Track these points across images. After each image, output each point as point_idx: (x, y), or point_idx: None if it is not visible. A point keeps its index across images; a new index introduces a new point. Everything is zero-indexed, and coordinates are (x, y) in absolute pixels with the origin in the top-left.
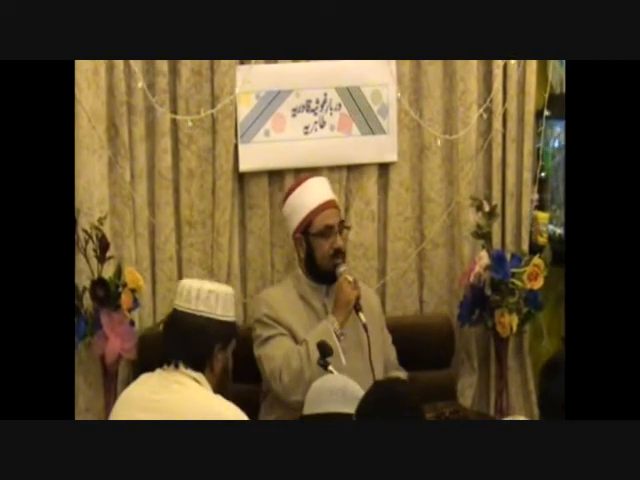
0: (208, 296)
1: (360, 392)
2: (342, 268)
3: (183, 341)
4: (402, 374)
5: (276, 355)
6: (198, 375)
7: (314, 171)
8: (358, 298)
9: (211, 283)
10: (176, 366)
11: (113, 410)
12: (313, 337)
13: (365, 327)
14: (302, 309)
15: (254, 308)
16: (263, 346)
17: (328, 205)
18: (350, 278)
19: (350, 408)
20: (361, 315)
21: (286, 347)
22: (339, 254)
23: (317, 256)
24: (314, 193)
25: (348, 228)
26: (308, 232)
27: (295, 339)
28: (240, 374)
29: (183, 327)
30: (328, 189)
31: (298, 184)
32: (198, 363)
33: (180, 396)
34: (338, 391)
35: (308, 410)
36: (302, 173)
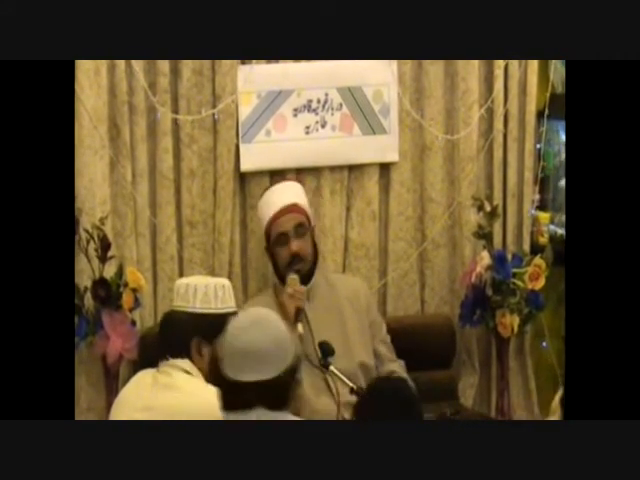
0: (206, 292)
1: (278, 351)
2: (290, 276)
3: (181, 340)
4: (397, 365)
5: None
6: (185, 362)
7: (315, 171)
8: (298, 310)
9: (199, 277)
10: (166, 359)
11: (111, 411)
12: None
13: (300, 338)
14: (282, 316)
15: None
16: None
17: (281, 213)
18: (289, 290)
19: (260, 374)
20: (299, 326)
21: None
22: (296, 259)
23: (278, 265)
24: (270, 203)
25: (310, 229)
26: (269, 244)
27: None
28: None
29: (180, 325)
30: (287, 194)
31: (261, 196)
32: (182, 356)
33: (174, 394)
34: (251, 356)
35: (223, 368)
36: (303, 173)
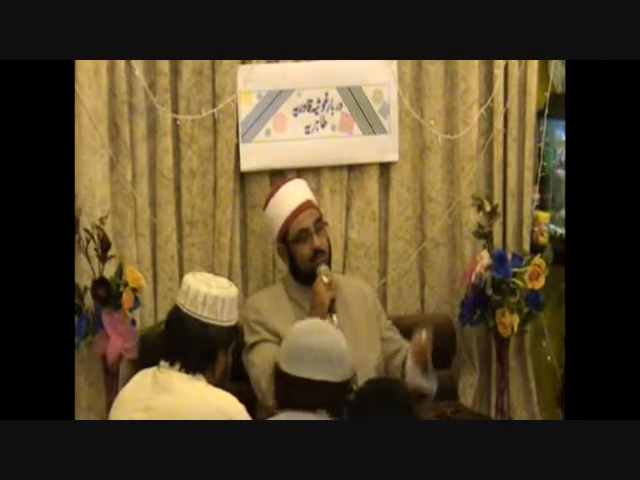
0: (214, 302)
1: (346, 357)
2: (321, 267)
3: (186, 345)
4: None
5: (257, 362)
6: (196, 377)
7: (315, 171)
8: (333, 300)
9: (217, 286)
10: (172, 365)
11: (111, 411)
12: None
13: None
14: (292, 312)
15: (243, 313)
16: (248, 353)
17: (301, 209)
18: (325, 279)
19: (331, 375)
20: (334, 317)
21: (267, 353)
22: (319, 254)
23: (298, 261)
24: (286, 201)
25: (326, 224)
26: (287, 240)
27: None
28: (239, 373)
29: (187, 331)
30: (300, 191)
31: (272, 195)
32: (200, 368)
33: (173, 395)
34: (323, 356)
35: (285, 366)
36: (303, 173)
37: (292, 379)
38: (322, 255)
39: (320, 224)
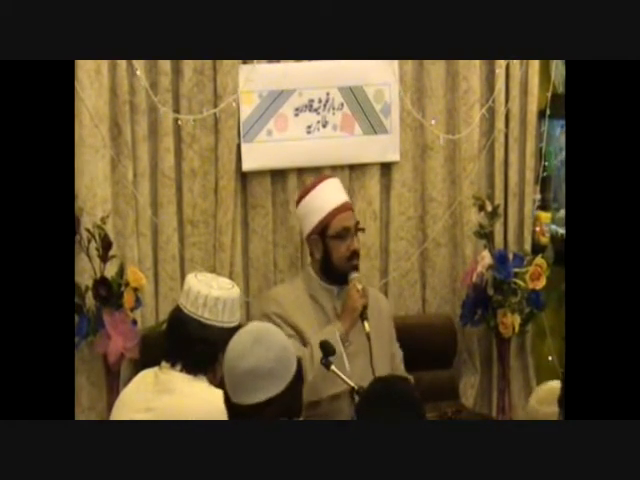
0: (215, 304)
1: (286, 353)
2: (354, 275)
3: (187, 345)
4: (407, 378)
5: None
6: (198, 378)
7: (316, 171)
8: (365, 307)
9: (219, 287)
10: (173, 366)
11: (112, 411)
12: (315, 345)
13: (368, 336)
14: (311, 309)
15: (263, 305)
16: None
17: (345, 207)
18: (359, 286)
19: (275, 388)
20: (366, 324)
21: None
22: (355, 256)
23: (334, 258)
24: (331, 195)
25: (362, 230)
26: (325, 234)
27: (302, 339)
28: None
29: (188, 332)
30: (343, 191)
31: (314, 186)
32: (202, 368)
33: (174, 395)
34: (264, 373)
35: (233, 396)
36: (305, 173)
37: (241, 409)
38: (357, 258)
39: (359, 228)
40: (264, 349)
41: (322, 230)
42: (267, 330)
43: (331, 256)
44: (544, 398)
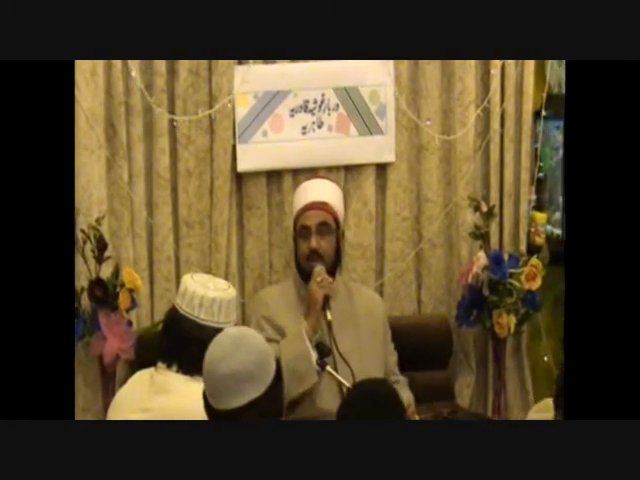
0: (211, 305)
1: (265, 356)
2: (316, 267)
3: (183, 346)
4: (401, 379)
5: None
6: (194, 379)
7: (312, 172)
8: (326, 297)
9: (215, 288)
10: (169, 367)
11: (108, 412)
12: (284, 343)
13: (329, 325)
14: (298, 309)
15: (253, 307)
16: None
17: (311, 206)
18: (319, 278)
19: (256, 390)
20: (328, 313)
21: None
22: (314, 255)
23: (298, 256)
24: (303, 195)
25: (334, 229)
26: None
27: None
28: None
29: (184, 332)
30: (319, 191)
31: (299, 187)
32: (198, 369)
33: (171, 396)
34: (244, 376)
35: (213, 401)
36: (300, 173)
37: (222, 413)
38: (317, 258)
39: (326, 228)
40: (244, 353)
41: (293, 230)
42: (246, 334)
43: (296, 255)
44: (543, 407)
